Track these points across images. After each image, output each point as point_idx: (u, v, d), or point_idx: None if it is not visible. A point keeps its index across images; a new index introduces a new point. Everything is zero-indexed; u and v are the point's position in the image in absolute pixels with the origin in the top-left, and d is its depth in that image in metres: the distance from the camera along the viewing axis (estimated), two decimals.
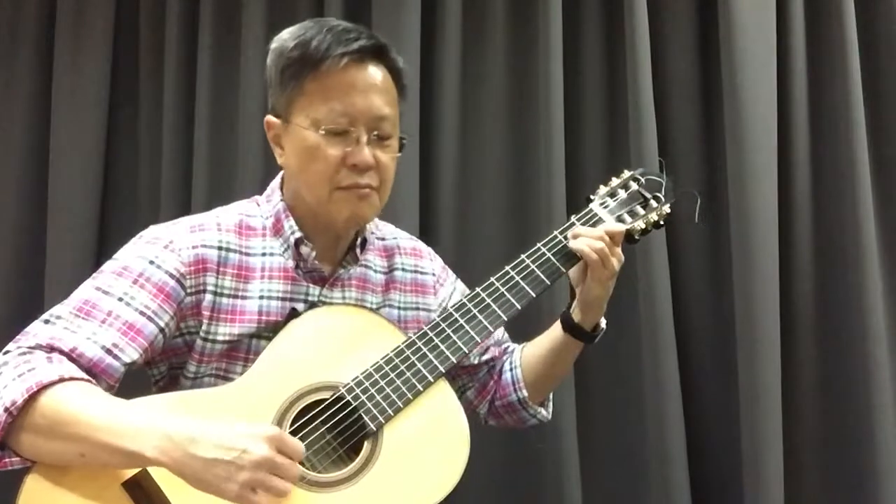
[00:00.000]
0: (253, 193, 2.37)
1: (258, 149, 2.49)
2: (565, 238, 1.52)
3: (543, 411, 1.72)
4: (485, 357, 1.69)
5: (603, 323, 1.61)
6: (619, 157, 2.48)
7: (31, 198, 2.63)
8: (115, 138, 2.67)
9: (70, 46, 2.62)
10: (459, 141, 2.51)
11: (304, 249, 1.46)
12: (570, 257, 1.52)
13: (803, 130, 2.41)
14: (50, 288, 2.53)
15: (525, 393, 1.66)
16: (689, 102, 2.50)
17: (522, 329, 1.74)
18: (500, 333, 1.73)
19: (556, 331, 1.63)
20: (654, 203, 1.62)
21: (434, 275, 1.67)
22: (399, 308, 1.59)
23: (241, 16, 2.57)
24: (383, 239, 1.64)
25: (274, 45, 1.44)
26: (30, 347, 1.26)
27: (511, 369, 1.69)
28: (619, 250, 1.52)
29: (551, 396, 1.75)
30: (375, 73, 1.41)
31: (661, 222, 1.63)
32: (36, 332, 1.29)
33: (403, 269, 1.63)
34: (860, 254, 2.30)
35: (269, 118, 1.47)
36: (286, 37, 1.43)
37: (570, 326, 1.59)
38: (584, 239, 1.49)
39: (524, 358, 1.68)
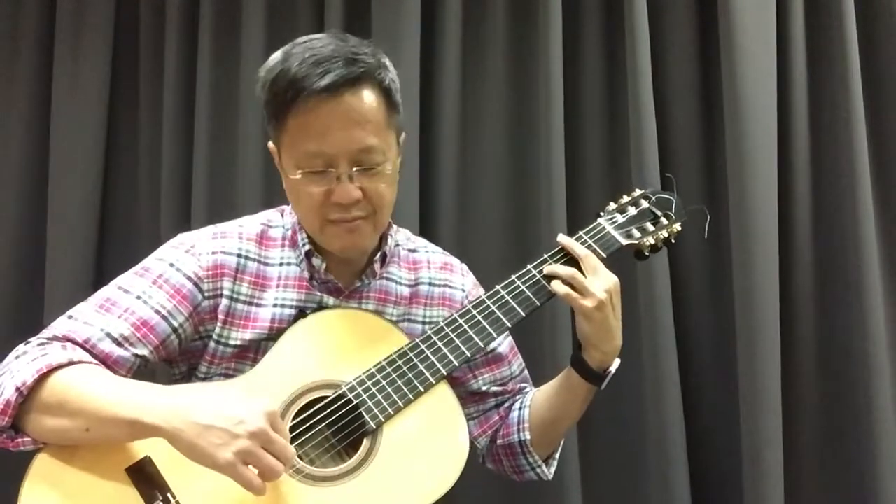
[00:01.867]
0: (253, 195, 2.43)
1: (258, 150, 2.49)
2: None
3: (544, 467, 1.63)
4: (495, 388, 1.66)
5: (613, 367, 1.52)
6: (618, 157, 2.48)
7: (31, 198, 2.62)
8: (115, 138, 2.67)
9: (70, 46, 2.62)
10: (459, 141, 2.51)
11: (315, 262, 1.48)
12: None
13: (803, 130, 2.40)
14: (50, 289, 2.53)
15: (528, 435, 1.59)
16: (689, 102, 2.50)
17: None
18: (518, 370, 1.70)
19: (566, 370, 1.57)
20: (664, 221, 1.62)
21: (463, 290, 1.66)
22: (423, 322, 1.59)
23: (241, 15, 2.57)
24: (414, 251, 1.64)
25: (261, 73, 1.40)
26: (48, 338, 1.32)
27: (519, 409, 1.64)
28: (598, 283, 1.45)
29: (556, 456, 1.67)
30: (353, 101, 1.33)
31: (672, 240, 1.63)
32: (57, 325, 1.35)
33: (431, 284, 1.63)
34: (860, 254, 2.29)
35: (271, 145, 1.46)
36: (270, 65, 1.37)
37: (575, 361, 1.53)
38: (557, 277, 1.47)
39: (534, 399, 1.63)
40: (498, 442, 1.64)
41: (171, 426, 1.16)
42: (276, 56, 1.39)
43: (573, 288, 1.45)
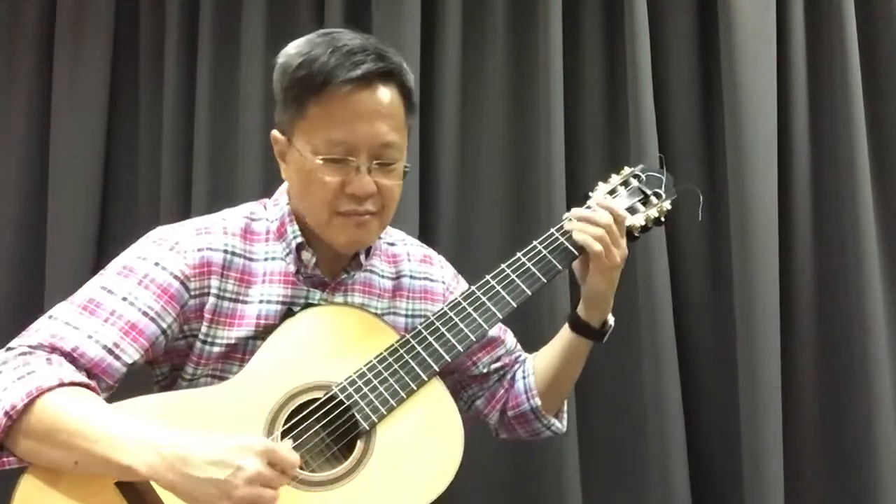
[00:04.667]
0: (253, 194, 2.41)
1: (258, 149, 2.49)
2: (563, 235, 1.51)
3: (557, 423, 1.67)
4: (494, 366, 1.66)
5: (611, 319, 1.58)
6: (619, 156, 2.47)
7: (31, 198, 2.63)
8: (115, 138, 2.67)
9: (70, 46, 2.62)
10: (459, 141, 2.51)
11: (305, 255, 1.46)
12: (567, 254, 1.50)
13: (803, 130, 2.40)
14: (50, 288, 2.53)
15: (538, 402, 1.61)
16: (689, 101, 2.50)
17: (523, 331, 1.74)
18: (512, 342, 1.71)
19: (564, 332, 1.60)
20: (654, 199, 1.61)
21: (444, 283, 1.65)
22: (406, 315, 1.58)
23: (241, 16, 2.57)
24: (392, 244, 1.63)
25: (280, 59, 1.40)
26: (31, 346, 1.27)
27: (524, 377, 1.65)
28: (622, 241, 1.50)
29: (565, 408, 1.71)
30: (382, 96, 1.36)
31: (662, 219, 1.61)
32: (39, 328, 1.30)
33: (412, 277, 1.62)
34: (860, 253, 2.29)
35: (275, 133, 1.45)
36: (292, 52, 1.38)
37: (576, 324, 1.57)
38: (586, 229, 1.47)
39: (536, 365, 1.65)
40: (509, 413, 1.65)
41: (166, 479, 1.13)
42: (297, 44, 1.39)
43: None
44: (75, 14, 2.63)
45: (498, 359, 1.67)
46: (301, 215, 1.47)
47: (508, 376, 1.69)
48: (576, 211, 1.52)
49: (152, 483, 1.21)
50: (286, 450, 1.18)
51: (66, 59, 2.62)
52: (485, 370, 1.66)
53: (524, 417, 1.64)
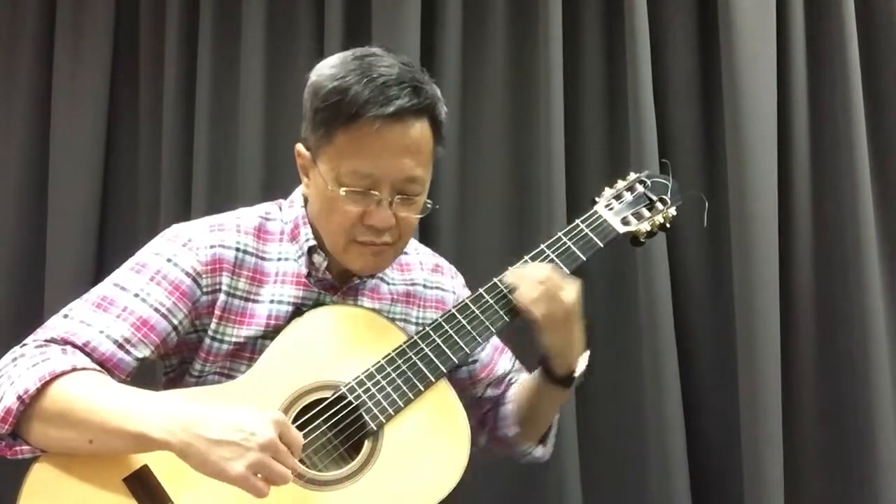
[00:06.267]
0: (253, 193, 2.41)
1: (258, 148, 2.50)
2: (571, 240, 1.52)
3: (536, 451, 1.65)
4: (489, 393, 1.66)
5: (579, 369, 1.52)
6: (619, 157, 2.48)
7: (31, 199, 2.63)
8: (116, 138, 2.67)
9: (70, 46, 2.62)
10: (459, 141, 2.51)
11: (317, 258, 1.46)
12: (573, 259, 1.51)
13: (803, 130, 2.40)
14: (50, 287, 2.53)
15: (512, 431, 1.60)
16: (689, 102, 2.49)
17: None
18: (505, 367, 1.68)
19: (537, 374, 1.57)
20: (659, 205, 1.62)
21: (454, 293, 1.66)
22: (417, 324, 1.58)
23: (241, 16, 2.57)
24: (405, 253, 1.62)
25: (312, 77, 1.39)
26: (46, 341, 1.29)
27: (505, 403, 1.64)
28: (562, 295, 1.42)
29: (552, 434, 1.67)
30: (412, 131, 1.34)
31: (667, 225, 1.62)
32: (53, 325, 1.32)
33: (425, 286, 1.62)
34: (860, 254, 2.29)
35: (300, 148, 1.44)
36: (326, 73, 1.36)
37: (543, 369, 1.53)
38: (522, 291, 1.43)
39: (515, 395, 1.63)
40: (493, 434, 1.66)
41: (180, 441, 1.14)
42: (332, 64, 1.38)
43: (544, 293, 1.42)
44: (75, 13, 2.63)
45: (497, 383, 1.66)
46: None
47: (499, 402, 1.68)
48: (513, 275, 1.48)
49: (160, 478, 1.23)
50: (294, 430, 1.21)
51: (66, 59, 2.62)
52: (481, 394, 1.66)
53: (503, 442, 1.64)
